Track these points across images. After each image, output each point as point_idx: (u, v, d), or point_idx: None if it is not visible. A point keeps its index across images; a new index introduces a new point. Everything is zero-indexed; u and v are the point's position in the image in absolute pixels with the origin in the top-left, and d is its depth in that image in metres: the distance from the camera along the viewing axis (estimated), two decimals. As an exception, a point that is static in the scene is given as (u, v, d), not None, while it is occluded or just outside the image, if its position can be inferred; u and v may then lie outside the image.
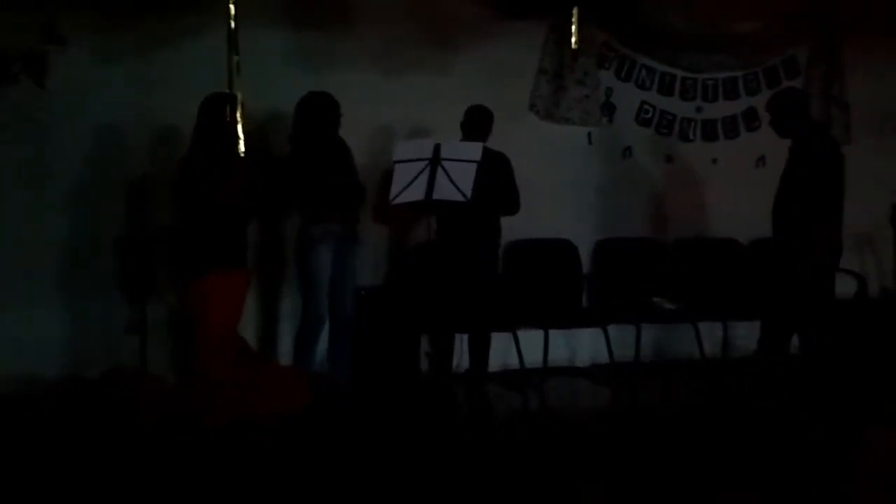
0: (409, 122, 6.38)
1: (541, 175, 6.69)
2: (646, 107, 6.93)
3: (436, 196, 5.26)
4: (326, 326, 5.74)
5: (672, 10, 6.71)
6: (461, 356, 6.18)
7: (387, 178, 5.94)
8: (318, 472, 4.55)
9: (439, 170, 5.22)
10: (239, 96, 5.01)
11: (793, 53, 7.14)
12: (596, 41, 6.75)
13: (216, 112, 5.17)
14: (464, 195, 5.30)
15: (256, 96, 5.70)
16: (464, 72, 6.49)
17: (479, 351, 6.12)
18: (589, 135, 6.84)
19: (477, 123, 5.95)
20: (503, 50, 6.59)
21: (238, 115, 4.93)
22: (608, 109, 6.86)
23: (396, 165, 5.18)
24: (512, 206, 6.08)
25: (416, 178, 5.20)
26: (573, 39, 4.68)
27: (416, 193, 5.23)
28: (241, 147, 4.93)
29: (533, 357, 6.37)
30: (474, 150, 5.34)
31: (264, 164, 5.73)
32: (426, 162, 5.20)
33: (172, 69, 5.87)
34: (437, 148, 5.21)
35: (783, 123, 5.91)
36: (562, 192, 6.77)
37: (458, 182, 5.25)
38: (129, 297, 5.99)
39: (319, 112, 5.58)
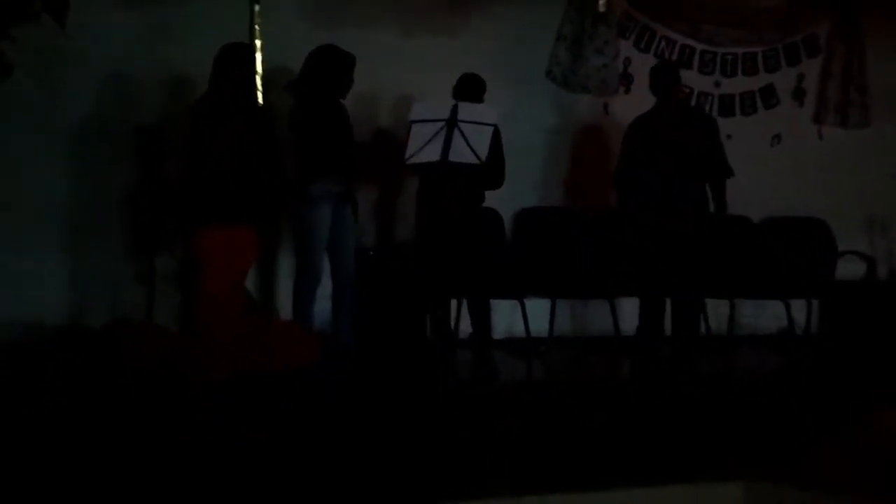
0: (423, 85, 6.27)
1: (554, 143, 6.66)
2: (664, 79, 6.86)
3: (451, 158, 5.19)
4: (328, 284, 5.71)
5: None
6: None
7: (389, 137, 5.83)
8: (317, 430, 4.52)
9: (456, 131, 5.15)
10: (258, 45, 4.93)
11: (814, 31, 7.08)
12: (616, 9, 6.69)
13: (232, 62, 5.11)
14: (479, 158, 5.24)
15: (271, 50, 5.64)
16: (479, 36, 6.44)
17: (480, 317, 6.07)
18: (605, 105, 6.78)
19: (468, 92, 5.77)
20: (520, 14, 6.52)
21: (256, 66, 4.85)
22: (626, 80, 6.80)
23: (413, 125, 5.12)
24: (497, 179, 5.92)
25: (432, 138, 5.14)
26: (600, 2, 4.64)
27: (431, 154, 5.17)
28: (259, 98, 4.85)
29: (539, 326, 6.35)
30: (491, 113, 5.28)
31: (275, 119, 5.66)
32: (443, 123, 5.13)
33: (189, 18, 5.80)
34: (454, 109, 5.14)
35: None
36: (576, 161, 6.72)
37: (473, 145, 5.19)
38: (137, 248, 5.95)
39: (336, 68, 5.52)
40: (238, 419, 4.50)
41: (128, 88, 5.88)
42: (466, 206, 5.73)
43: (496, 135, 5.63)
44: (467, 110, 5.18)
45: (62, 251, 5.88)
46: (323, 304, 5.75)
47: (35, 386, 4.97)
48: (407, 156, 5.16)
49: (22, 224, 5.73)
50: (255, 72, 4.96)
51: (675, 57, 6.85)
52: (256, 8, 4.92)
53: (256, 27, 4.92)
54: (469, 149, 5.20)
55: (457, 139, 5.17)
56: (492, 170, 5.67)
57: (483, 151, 5.23)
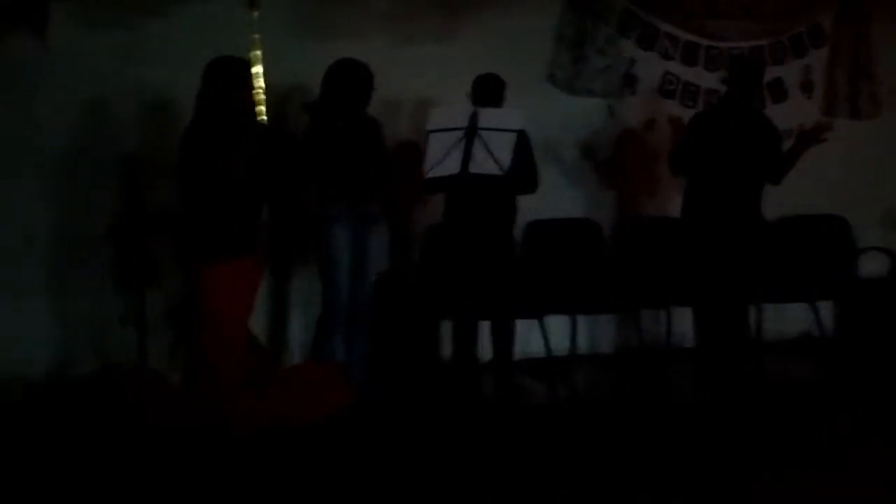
0: (417, 94, 5.89)
1: (560, 151, 6.31)
2: (669, 77, 6.54)
3: (472, 170, 4.79)
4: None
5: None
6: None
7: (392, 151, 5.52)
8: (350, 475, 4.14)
9: (476, 140, 4.75)
10: (259, 56, 4.47)
11: (819, 21, 6.82)
12: (617, 7, 6.37)
13: (228, 78, 4.65)
14: (501, 168, 4.85)
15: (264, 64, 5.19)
16: (475, 40, 6.04)
17: (504, 339, 5.66)
18: (610, 107, 6.44)
19: (489, 94, 5.34)
20: (516, 16, 6.16)
21: (259, 81, 4.40)
22: (630, 80, 6.47)
23: (430, 135, 4.70)
24: (531, 184, 5.56)
25: (451, 149, 4.73)
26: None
27: (451, 166, 4.77)
28: (263, 116, 4.41)
29: (555, 344, 5.97)
30: (514, 117, 4.88)
31: (274, 137, 5.22)
32: (462, 132, 4.73)
33: (167, 38, 5.35)
34: (473, 115, 4.74)
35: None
36: (583, 168, 6.38)
37: (496, 154, 4.79)
38: (124, 287, 5.44)
39: (351, 82, 5.12)
40: (269, 472, 4.05)
41: (108, 113, 5.39)
42: (499, 222, 5.30)
43: (524, 137, 5.23)
44: (488, 116, 4.79)
45: (40, 295, 5.38)
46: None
47: (24, 451, 4.44)
48: (426, 169, 4.74)
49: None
50: (255, 88, 4.50)
51: (679, 54, 6.53)
52: (255, 15, 4.44)
53: (256, 36, 4.45)
54: (491, 158, 4.81)
55: (478, 148, 4.78)
56: (524, 175, 5.29)
57: (505, 161, 4.84)
